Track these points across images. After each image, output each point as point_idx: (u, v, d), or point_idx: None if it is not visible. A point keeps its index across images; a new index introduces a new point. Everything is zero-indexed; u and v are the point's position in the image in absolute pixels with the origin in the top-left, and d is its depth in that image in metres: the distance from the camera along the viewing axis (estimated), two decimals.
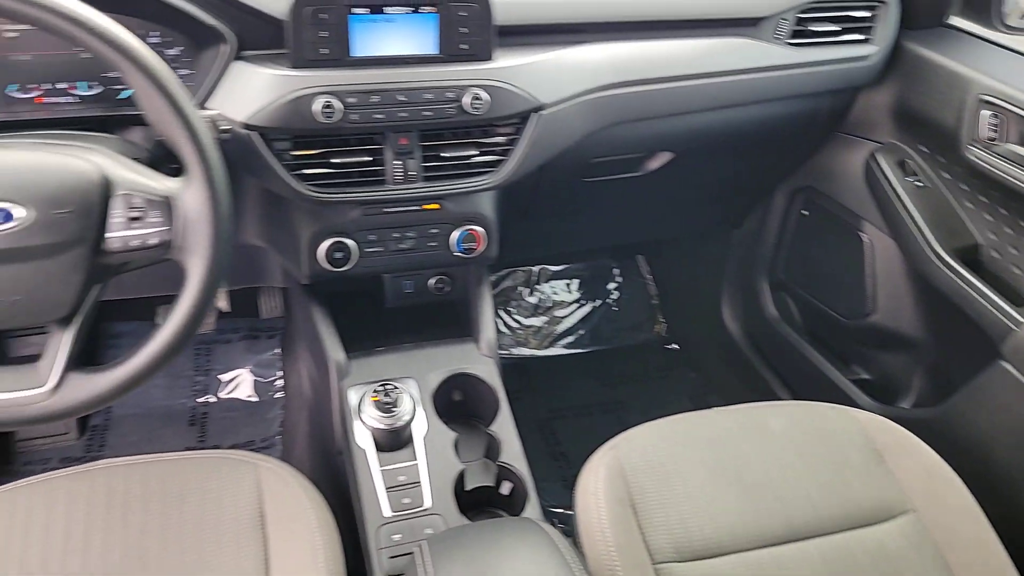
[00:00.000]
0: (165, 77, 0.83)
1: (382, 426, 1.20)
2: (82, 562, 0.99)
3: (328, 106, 1.07)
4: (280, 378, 2.01)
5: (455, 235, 1.30)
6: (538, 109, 1.19)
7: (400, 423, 1.21)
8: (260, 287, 1.97)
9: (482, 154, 1.21)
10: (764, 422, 1.24)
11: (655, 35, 1.30)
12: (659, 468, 1.17)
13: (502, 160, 1.21)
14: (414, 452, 1.21)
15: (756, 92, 1.40)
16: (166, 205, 0.86)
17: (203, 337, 2.03)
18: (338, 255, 1.24)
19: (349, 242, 1.25)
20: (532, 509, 1.17)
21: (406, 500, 1.14)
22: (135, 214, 0.86)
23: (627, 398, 2.14)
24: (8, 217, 0.80)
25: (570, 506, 1.91)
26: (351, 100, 1.09)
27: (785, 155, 1.70)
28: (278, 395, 1.99)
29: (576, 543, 1.16)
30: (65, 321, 0.88)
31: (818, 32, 1.42)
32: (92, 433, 1.86)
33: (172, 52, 1.14)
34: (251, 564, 1.00)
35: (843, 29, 1.44)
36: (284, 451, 1.84)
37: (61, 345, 0.88)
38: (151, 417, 1.91)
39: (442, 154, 1.18)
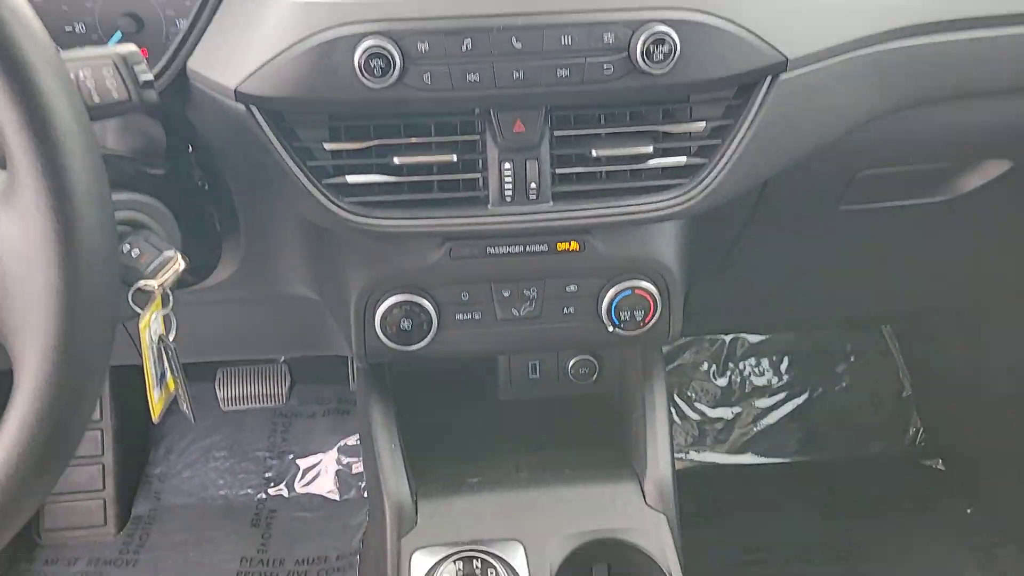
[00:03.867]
0: None
1: None
2: None
3: (377, 55, 0.61)
4: None
5: (608, 297, 0.79)
6: (777, 69, 0.66)
7: None
8: None
9: (663, 153, 0.69)
10: None
11: None
12: None
13: (701, 165, 0.70)
14: None
15: None
16: None
17: (280, 408, 1.64)
18: (406, 324, 0.77)
19: (425, 304, 0.77)
20: None
21: None
22: None
23: (865, 541, 1.51)
24: None
25: None
26: (423, 46, 0.62)
27: None
28: (366, 495, 1.55)
29: None
30: None
31: None
32: (133, 527, 1.51)
33: None
34: None
35: None
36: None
37: None
38: (206, 510, 1.54)
39: (591, 152, 0.69)
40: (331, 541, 1.50)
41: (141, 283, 0.57)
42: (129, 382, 1.56)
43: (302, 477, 1.59)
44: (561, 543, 0.78)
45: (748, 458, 1.64)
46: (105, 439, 1.49)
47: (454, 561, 0.73)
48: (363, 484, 1.58)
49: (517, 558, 0.77)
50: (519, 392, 1.02)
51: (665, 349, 1.61)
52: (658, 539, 0.79)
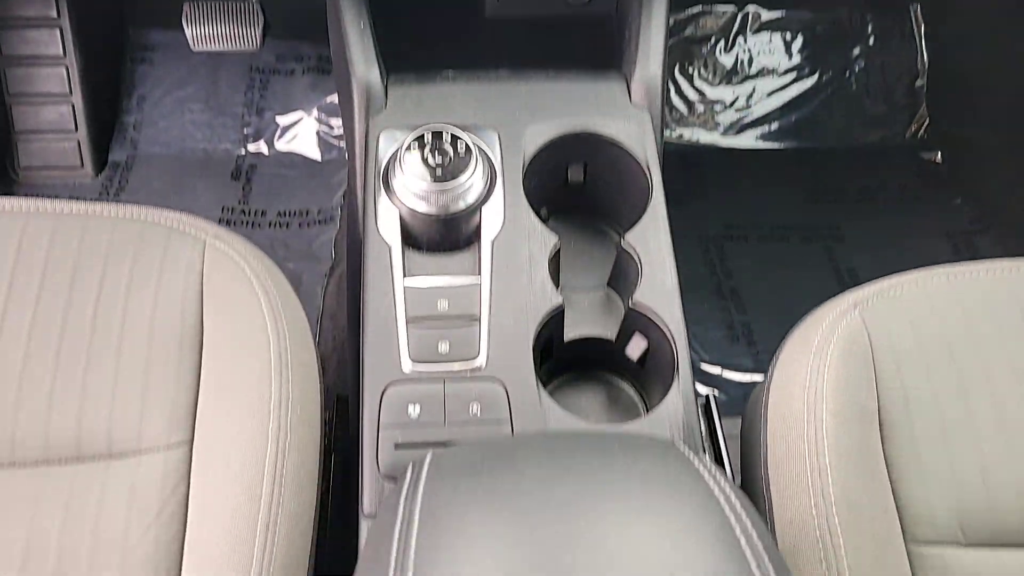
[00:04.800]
0: None
1: (425, 207, 0.69)
2: None
3: None
4: None
5: None
6: None
7: (459, 206, 0.69)
8: None
9: None
10: None
11: None
12: (950, 364, 0.65)
13: None
14: (476, 260, 0.70)
15: None
16: None
17: (256, 63, 1.57)
18: None
19: None
20: (675, 398, 0.65)
21: (443, 347, 0.65)
22: None
23: (845, 223, 1.52)
24: None
25: (732, 364, 1.38)
26: None
27: None
28: (347, 155, 1.54)
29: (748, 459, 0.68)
30: None
31: None
32: (112, 172, 1.50)
33: None
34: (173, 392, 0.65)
35: None
36: (340, 230, 1.42)
37: None
38: (185, 161, 1.53)
39: None
40: (311, 197, 1.50)
41: None
42: (92, 17, 1.47)
43: (281, 135, 1.56)
44: (538, 133, 0.76)
45: (742, 141, 1.60)
46: (71, 77, 1.43)
47: (417, 138, 0.71)
48: (344, 144, 1.55)
49: (490, 143, 0.75)
50: (507, 9, 0.95)
51: (671, 21, 1.51)
52: (640, 137, 0.77)
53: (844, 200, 1.55)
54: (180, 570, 0.59)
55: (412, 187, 0.69)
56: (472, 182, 0.70)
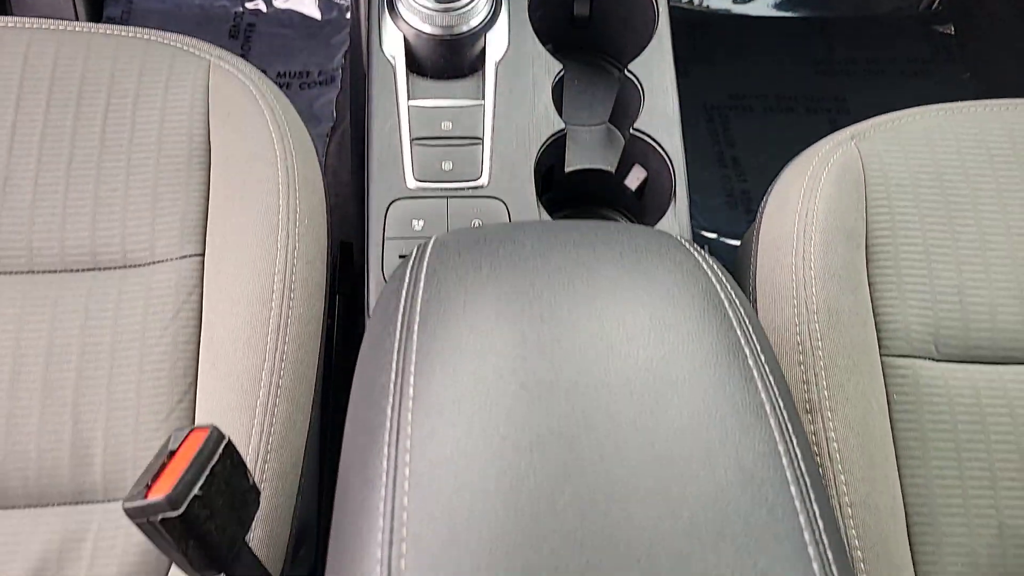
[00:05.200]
0: None
1: (429, 27, 0.69)
2: None
3: None
4: None
5: None
6: None
7: (464, 27, 0.70)
8: None
9: None
10: None
11: None
12: (939, 192, 0.66)
13: None
14: (479, 85, 0.71)
15: None
16: None
17: None
18: None
19: None
20: (671, 219, 0.68)
21: (446, 166, 0.67)
22: None
23: (852, 94, 1.51)
24: None
25: (729, 231, 1.40)
26: None
27: None
28: (349, 15, 1.51)
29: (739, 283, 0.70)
30: None
31: None
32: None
33: None
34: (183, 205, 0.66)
35: None
36: (342, 91, 1.41)
37: None
38: (181, 18, 1.50)
39: None
40: (311, 57, 1.48)
41: None
42: None
43: None
44: None
45: (753, 8, 1.57)
46: None
47: None
48: (345, 4, 1.52)
49: None
50: None
51: None
52: None
53: (853, 72, 1.54)
54: (196, 366, 0.63)
55: (416, 6, 0.69)
56: (476, 3, 0.70)
